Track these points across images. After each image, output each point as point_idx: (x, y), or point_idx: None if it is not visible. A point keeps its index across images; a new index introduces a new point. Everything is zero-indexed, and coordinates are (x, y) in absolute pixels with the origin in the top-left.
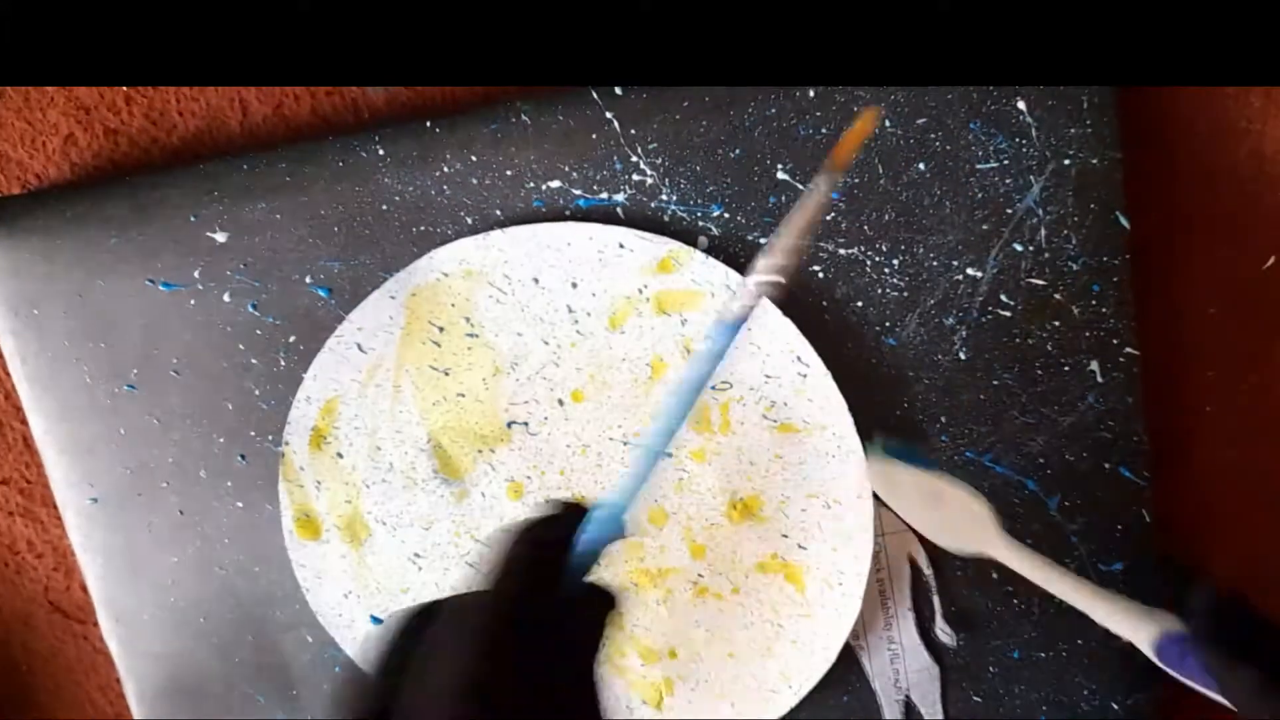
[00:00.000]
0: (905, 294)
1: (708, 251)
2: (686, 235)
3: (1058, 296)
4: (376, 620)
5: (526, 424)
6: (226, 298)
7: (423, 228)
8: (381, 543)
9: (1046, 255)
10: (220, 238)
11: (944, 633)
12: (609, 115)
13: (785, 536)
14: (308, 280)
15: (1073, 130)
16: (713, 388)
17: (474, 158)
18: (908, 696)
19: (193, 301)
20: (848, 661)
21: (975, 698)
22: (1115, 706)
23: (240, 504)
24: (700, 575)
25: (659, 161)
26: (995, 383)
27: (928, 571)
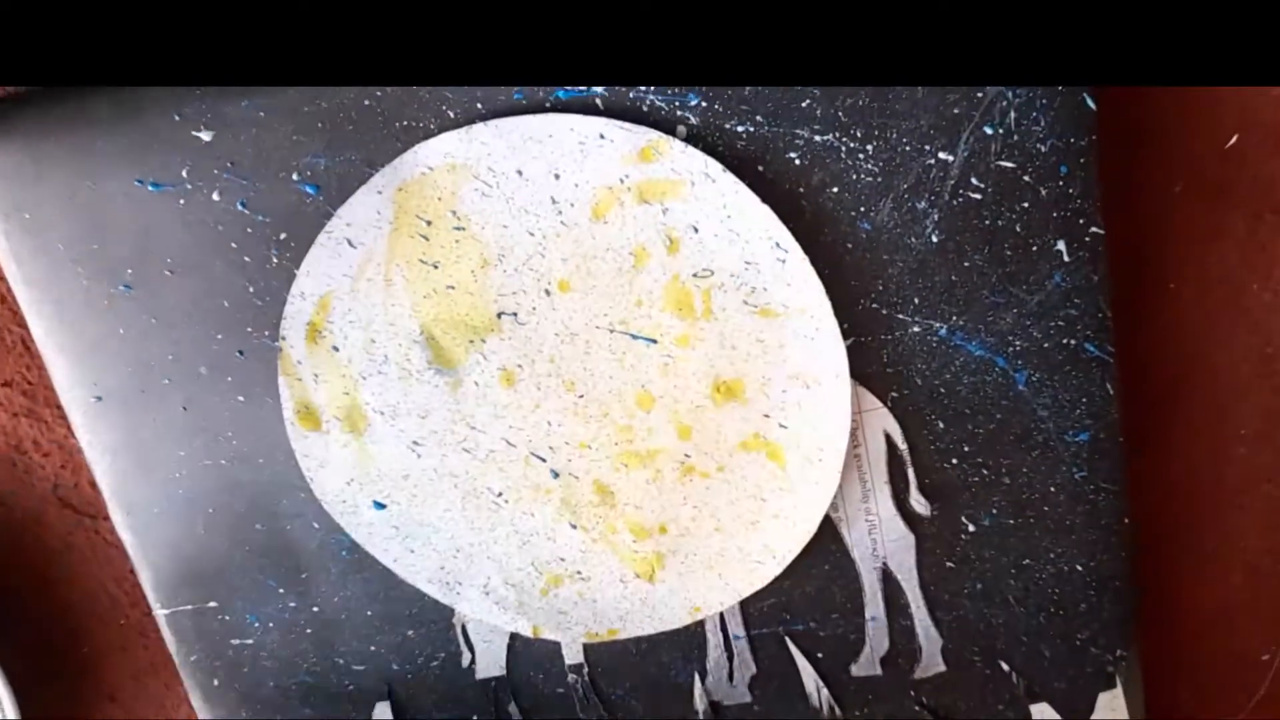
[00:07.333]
0: (879, 179)
1: (687, 140)
2: (665, 125)
3: (1026, 178)
4: (379, 506)
5: (515, 314)
6: (215, 196)
7: (406, 122)
8: (381, 432)
9: (1016, 138)
10: (205, 136)
11: (918, 503)
12: None
13: (767, 416)
14: (295, 177)
15: None
16: (694, 275)
17: None
18: (885, 564)
19: (182, 201)
20: (828, 533)
21: (948, 563)
22: (1080, 568)
23: (242, 398)
24: (687, 455)
25: None
26: (966, 264)
27: (902, 446)
